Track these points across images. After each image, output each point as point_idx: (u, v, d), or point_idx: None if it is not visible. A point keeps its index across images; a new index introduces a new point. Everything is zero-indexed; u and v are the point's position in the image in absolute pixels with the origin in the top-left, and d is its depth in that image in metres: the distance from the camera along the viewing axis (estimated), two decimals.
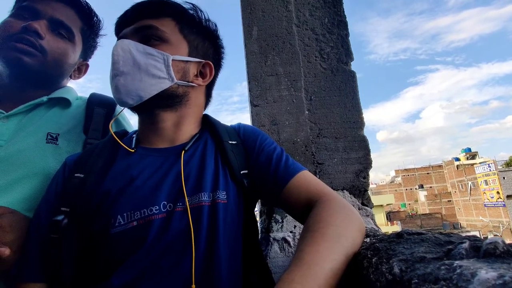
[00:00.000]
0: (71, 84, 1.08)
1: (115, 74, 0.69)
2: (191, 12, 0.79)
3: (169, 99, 0.74)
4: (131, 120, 1.12)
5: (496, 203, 34.41)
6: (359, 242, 0.56)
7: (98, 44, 1.10)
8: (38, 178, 0.80)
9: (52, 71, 0.94)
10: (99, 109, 1.00)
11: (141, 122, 0.79)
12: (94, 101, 1.02)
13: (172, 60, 0.71)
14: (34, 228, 0.70)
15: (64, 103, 0.99)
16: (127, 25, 0.75)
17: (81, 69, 1.09)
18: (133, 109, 0.75)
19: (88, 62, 1.11)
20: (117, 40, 0.75)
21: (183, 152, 0.72)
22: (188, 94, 0.78)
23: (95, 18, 1.04)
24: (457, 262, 0.34)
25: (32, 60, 0.88)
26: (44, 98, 0.93)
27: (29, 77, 0.91)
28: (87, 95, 1.07)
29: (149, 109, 0.74)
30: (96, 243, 0.63)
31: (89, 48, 1.07)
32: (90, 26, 1.03)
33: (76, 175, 0.70)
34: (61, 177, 0.73)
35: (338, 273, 0.49)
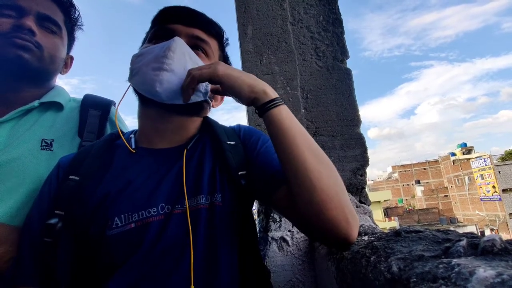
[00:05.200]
0: (64, 84, 1.05)
1: (163, 68, 0.66)
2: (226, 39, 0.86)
3: (192, 109, 0.76)
4: (126, 121, 1.11)
5: (492, 197, 34.71)
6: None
7: (76, 36, 1.07)
8: (33, 187, 0.79)
9: (48, 67, 0.93)
10: (93, 111, 0.98)
11: (146, 118, 0.77)
12: (89, 102, 1.01)
13: None
14: (27, 232, 0.69)
15: (57, 106, 0.97)
16: (179, 23, 0.75)
17: (67, 63, 1.07)
18: (155, 104, 0.71)
19: (72, 55, 1.09)
20: (159, 27, 0.76)
21: (185, 151, 0.72)
22: (205, 109, 0.81)
23: (74, 9, 1.01)
24: (455, 261, 0.34)
25: (32, 57, 0.86)
26: (36, 103, 0.91)
27: (27, 75, 0.89)
28: (81, 96, 1.05)
29: (169, 109, 0.73)
30: (92, 245, 0.63)
31: (72, 41, 1.05)
32: (71, 19, 1.01)
33: (71, 177, 0.69)
34: (54, 179, 0.72)
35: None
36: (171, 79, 0.67)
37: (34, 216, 0.69)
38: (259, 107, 0.65)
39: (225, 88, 0.66)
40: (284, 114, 0.64)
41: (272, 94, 0.66)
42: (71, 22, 1.01)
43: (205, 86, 0.73)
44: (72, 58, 1.09)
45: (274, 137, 0.64)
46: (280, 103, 0.65)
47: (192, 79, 0.65)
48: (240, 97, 0.66)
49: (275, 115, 0.63)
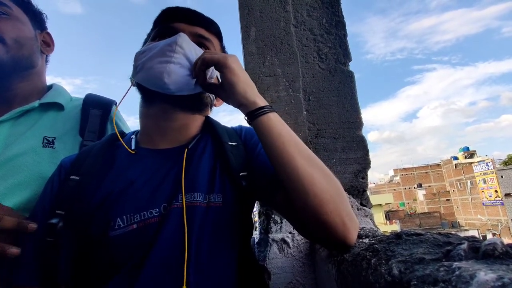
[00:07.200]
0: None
1: (170, 61, 0.67)
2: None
3: (196, 102, 0.78)
4: (128, 122, 1.11)
5: (494, 201, 34.50)
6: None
7: (41, 10, 0.98)
8: (36, 183, 0.79)
9: (19, 53, 0.88)
10: (94, 110, 0.98)
11: (149, 117, 0.77)
12: (90, 102, 1.01)
13: None
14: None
15: (58, 106, 0.96)
16: (182, 21, 0.77)
17: (46, 41, 1.01)
18: (162, 98, 0.72)
19: (48, 31, 1.02)
20: (162, 26, 0.77)
21: (186, 150, 0.72)
22: (207, 106, 0.83)
23: None
24: (456, 264, 0.34)
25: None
26: (36, 104, 0.91)
27: (5, 72, 0.86)
28: (84, 96, 1.06)
29: (174, 104, 0.74)
30: (94, 246, 0.63)
31: (35, 16, 0.97)
32: None
33: (72, 177, 0.69)
34: (56, 179, 0.72)
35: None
36: (179, 71, 0.68)
37: (36, 215, 0.70)
38: (247, 115, 0.66)
39: (223, 78, 0.66)
40: (273, 121, 0.64)
41: (261, 103, 0.66)
42: None
43: (212, 73, 0.74)
44: (49, 34, 1.02)
45: (264, 144, 0.64)
46: (268, 111, 0.65)
47: (203, 61, 0.67)
48: (232, 96, 0.66)
49: (264, 122, 0.63)
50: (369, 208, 1.10)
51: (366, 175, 1.12)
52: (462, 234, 0.51)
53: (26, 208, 0.76)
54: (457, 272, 0.32)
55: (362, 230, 0.80)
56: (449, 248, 0.40)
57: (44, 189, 0.73)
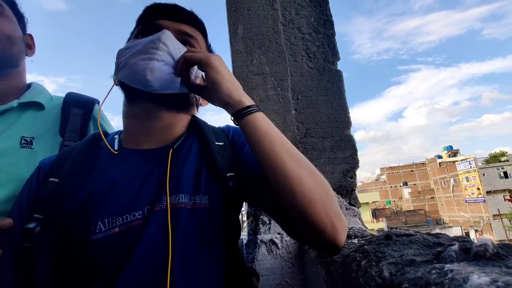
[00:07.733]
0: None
1: (153, 58, 0.65)
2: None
3: (181, 101, 0.76)
4: (113, 122, 1.08)
5: (477, 199, 35.55)
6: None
7: (23, 13, 0.99)
8: (13, 185, 0.76)
9: (9, 50, 0.87)
10: (76, 109, 0.95)
11: (133, 117, 0.74)
12: (71, 101, 0.97)
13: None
14: (7, 236, 0.66)
15: (37, 105, 0.93)
16: (166, 18, 0.75)
17: (28, 43, 1.00)
18: (145, 96, 0.70)
19: (31, 33, 1.01)
20: (146, 23, 0.76)
21: (171, 150, 0.70)
22: (193, 106, 0.82)
23: None
24: (448, 266, 0.33)
25: None
26: (14, 103, 0.87)
27: None
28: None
29: (158, 103, 0.71)
30: (75, 248, 0.60)
31: (20, 18, 0.97)
32: None
33: (50, 179, 0.66)
34: (34, 182, 0.69)
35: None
36: (162, 68, 0.66)
37: (13, 219, 0.66)
38: (233, 114, 0.64)
39: (207, 78, 0.65)
40: (260, 121, 0.62)
41: (248, 102, 0.64)
42: None
43: (197, 73, 0.73)
44: (31, 37, 1.02)
45: (251, 144, 0.62)
46: (255, 110, 0.63)
47: (184, 60, 0.65)
48: (216, 95, 0.65)
49: (250, 122, 0.62)
50: (358, 208, 1.10)
51: (355, 174, 1.12)
52: (446, 231, 0.51)
53: (2, 212, 0.72)
54: (449, 275, 0.31)
55: (351, 230, 0.80)
56: (439, 249, 0.39)
57: (21, 192, 0.70)
